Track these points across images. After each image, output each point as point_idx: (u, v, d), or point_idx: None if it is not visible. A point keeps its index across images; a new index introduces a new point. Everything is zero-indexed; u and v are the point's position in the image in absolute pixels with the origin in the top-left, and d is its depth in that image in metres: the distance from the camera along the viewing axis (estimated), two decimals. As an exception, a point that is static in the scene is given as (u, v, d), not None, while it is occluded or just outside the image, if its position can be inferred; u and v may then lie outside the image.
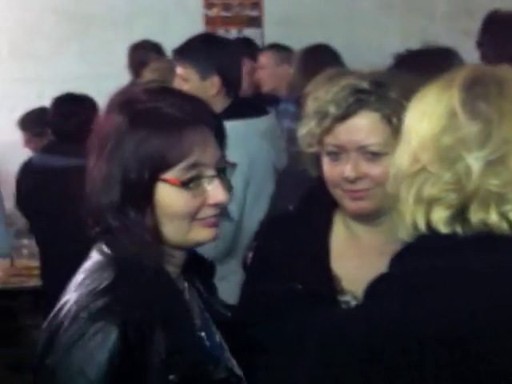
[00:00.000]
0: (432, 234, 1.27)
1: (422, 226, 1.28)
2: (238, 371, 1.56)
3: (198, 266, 1.61)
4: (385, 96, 1.67)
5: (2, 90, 5.75)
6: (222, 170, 1.45)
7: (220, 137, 1.48)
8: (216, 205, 1.41)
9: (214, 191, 1.39)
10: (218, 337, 1.57)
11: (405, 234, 1.31)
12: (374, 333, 1.27)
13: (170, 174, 1.36)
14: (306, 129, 1.75)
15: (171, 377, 1.32)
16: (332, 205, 1.80)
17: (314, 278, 1.73)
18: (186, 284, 1.53)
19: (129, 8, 5.96)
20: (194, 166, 1.37)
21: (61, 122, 3.45)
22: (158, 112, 1.38)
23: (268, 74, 4.68)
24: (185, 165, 1.36)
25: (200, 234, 1.42)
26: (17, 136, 4.76)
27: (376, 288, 1.32)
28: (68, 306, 1.35)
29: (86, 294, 1.35)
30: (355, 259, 1.79)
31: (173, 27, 5.82)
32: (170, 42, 5.21)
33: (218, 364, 1.43)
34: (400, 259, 1.32)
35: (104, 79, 5.61)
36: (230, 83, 2.91)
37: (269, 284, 1.77)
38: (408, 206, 1.29)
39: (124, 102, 1.43)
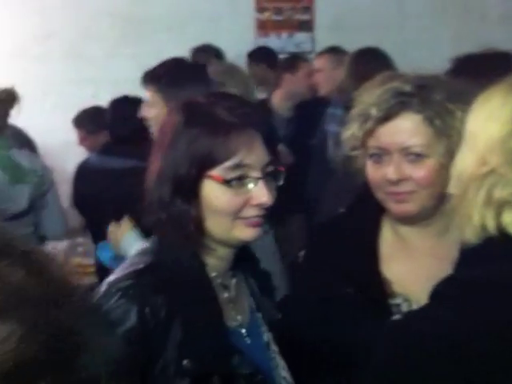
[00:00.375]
0: (501, 237, 1.27)
1: (491, 228, 1.28)
2: (284, 373, 1.61)
3: (257, 268, 1.69)
4: (428, 98, 1.67)
5: (57, 91, 5.87)
6: (272, 174, 1.51)
7: (271, 142, 1.53)
8: (259, 205, 1.47)
9: (258, 192, 1.46)
10: (266, 336, 1.62)
11: (471, 236, 1.31)
12: (435, 333, 1.28)
13: (215, 172, 1.44)
14: (350, 132, 1.77)
15: (185, 362, 1.39)
16: (380, 208, 1.80)
17: (364, 282, 1.74)
18: (233, 280, 1.59)
19: (182, 12, 6.04)
20: (238, 166, 1.44)
21: (118, 124, 3.52)
22: (211, 114, 1.46)
23: (324, 77, 4.67)
24: (230, 164, 1.43)
25: (243, 232, 1.48)
26: (71, 136, 4.85)
27: (440, 291, 1.33)
28: (104, 284, 1.46)
29: (122, 274, 1.45)
30: (404, 262, 1.79)
31: (225, 31, 5.88)
32: (222, 45, 5.30)
33: (243, 359, 1.48)
34: (467, 262, 1.32)
35: (156, 81, 5.68)
36: None
37: (320, 286, 1.80)
38: (477, 207, 1.29)
39: (184, 103, 1.54)
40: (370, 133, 1.72)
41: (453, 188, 1.36)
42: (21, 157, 3.33)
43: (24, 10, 5.97)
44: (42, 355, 0.52)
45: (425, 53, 5.82)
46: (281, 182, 1.53)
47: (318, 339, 1.77)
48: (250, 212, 1.47)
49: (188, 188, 1.45)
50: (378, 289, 1.74)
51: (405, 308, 1.72)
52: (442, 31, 6.10)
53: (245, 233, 1.49)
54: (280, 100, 4.83)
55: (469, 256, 1.33)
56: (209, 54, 4.92)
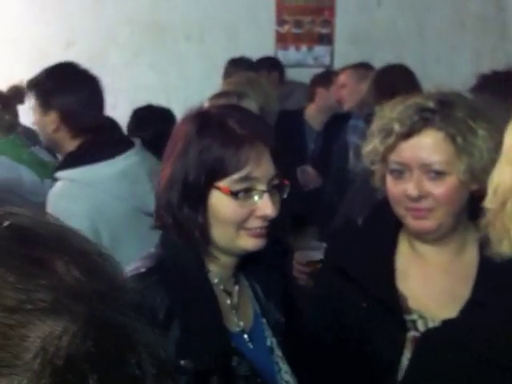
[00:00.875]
0: None
1: None
2: (287, 377, 1.64)
3: (263, 273, 1.71)
4: (450, 115, 1.67)
5: (77, 99, 5.90)
6: (277, 187, 1.56)
7: (279, 157, 1.57)
8: (263, 217, 1.52)
9: (263, 205, 1.51)
10: (269, 341, 1.66)
11: (509, 249, 1.32)
12: (465, 341, 1.29)
13: (223, 183, 1.49)
14: (371, 146, 1.77)
15: (182, 362, 1.42)
16: (397, 223, 1.81)
17: (380, 297, 1.74)
18: (236, 287, 1.64)
19: (201, 22, 6.07)
20: (246, 178, 1.49)
21: (140, 132, 3.54)
22: (223, 126, 1.51)
23: (348, 91, 4.69)
24: (238, 176, 1.48)
25: (246, 242, 1.54)
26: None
27: (474, 299, 1.33)
28: None
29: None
30: (420, 278, 1.79)
31: (244, 42, 5.91)
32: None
33: (242, 361, 1.51)
34: (500, 270, 1.34)
35: (174, 90, 5.74)
36: (74, 123, 2.59)
37: (334, 299, 1.81)
38: None
39: (197, 113, 1.58)
40: (391, 148, 1.72)
41: (489, 202, 1.36)
42: (41, 153, 3.35)
43: (45, 18, 6.03)
44: (92, 352, 0.53)
45: (444, 68, 5.83)
46: (285, 195, 1.57)
47: (328, 351, 1.79)
48: (254, 223, 1.52)
49: (196, 196, 1.50)
50: (394, 304, 1.74)
51: (420, 325, 1.72)
52: (461, 47, 6.10)
53: (248, 243, 1.54)
54: (313, 114, 4.87)
55: (503, 265, 1.33)
56: (240, 66, 4.94)
